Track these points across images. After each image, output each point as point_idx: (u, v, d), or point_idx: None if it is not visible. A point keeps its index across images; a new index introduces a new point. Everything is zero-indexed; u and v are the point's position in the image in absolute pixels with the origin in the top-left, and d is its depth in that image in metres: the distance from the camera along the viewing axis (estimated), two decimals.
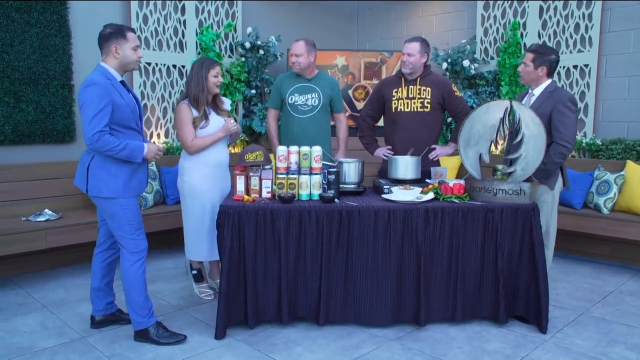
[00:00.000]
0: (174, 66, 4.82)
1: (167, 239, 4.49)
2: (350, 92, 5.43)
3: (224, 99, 3.26)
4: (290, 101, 3.58)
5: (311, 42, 3.53)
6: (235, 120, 3.21)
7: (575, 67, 4.59)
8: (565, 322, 2.96)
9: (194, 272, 3.32)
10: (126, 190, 2.54)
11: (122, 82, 2.57)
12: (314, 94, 3.57)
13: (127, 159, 2.50)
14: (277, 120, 3.74)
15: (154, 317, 2.65)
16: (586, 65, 4.52)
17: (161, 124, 4.78)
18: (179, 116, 3.04)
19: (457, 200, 2.87)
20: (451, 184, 2.94)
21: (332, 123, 3.76)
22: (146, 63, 4.60)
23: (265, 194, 2.86)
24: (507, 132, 2.90)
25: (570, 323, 2.94)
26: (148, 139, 4.69)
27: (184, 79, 4.91)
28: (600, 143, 4.35)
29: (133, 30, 2.58)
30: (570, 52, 4.59)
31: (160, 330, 2.64)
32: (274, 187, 2.89)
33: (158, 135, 4.76)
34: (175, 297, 3.35)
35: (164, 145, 4.67)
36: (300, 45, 3.48)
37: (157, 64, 4.69)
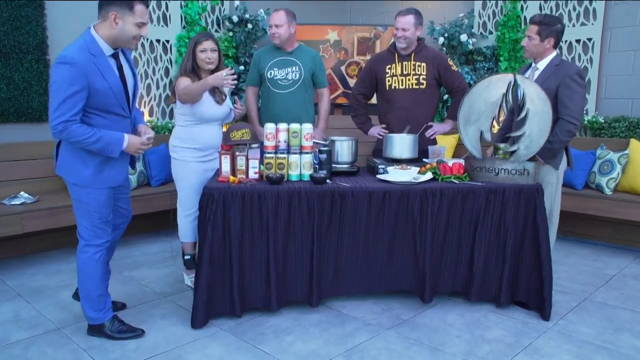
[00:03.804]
0: (158, 41, 4.57)
1: (152, 222, 4.31)
2: (342, 68, 5.21)
3: None
4: (269, 76, 3.38)
5: (291, 12, 3.36)
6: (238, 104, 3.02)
7: (577, 41, 4.39)
8: (568, 307, 2.83)
9: (187, 257, 3.08)
10: (95, 181, 2.25)
11: (114, 56, 2.20)
12: (294, 68, 3.38)
13: (100, 152, 2.20)
14: (256, 98, 3.56)
15: (110, 311, 2.44)
16: (589, 39, 4.32)
17: (145, 101, 4.55)
18: (179, 83, 2.83)
19: (456, 181, 2.71)
20: (450, 164, 2.78)
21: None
22: None
23: (253, 174, 2.68)
24: (510, 108, 2.73)
25: (573, 309, 2.81)
26: None
27: (169, 54, 4.67)
28: (603, 121, 4.19)
29: (145, 4, 2.15)
30: (573, 25, 4.39)
31: (115, 325, 2.41)
32: (262, 167, 2.71)
33: (142, 113, 4.53)
34: (160, 283, 3.18)
35: (148, 124, 4.44)
36: (281, 15, 3.29)
37: None
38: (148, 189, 3.98)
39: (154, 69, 4.58)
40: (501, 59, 4.72)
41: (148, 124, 4.41)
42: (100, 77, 2.12)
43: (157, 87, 4.61)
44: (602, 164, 3.85)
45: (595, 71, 4.30)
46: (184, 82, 2.83)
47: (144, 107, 4.55)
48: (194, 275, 3.04)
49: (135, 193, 3.83)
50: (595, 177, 3.86)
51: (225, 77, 2.71)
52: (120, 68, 2.24)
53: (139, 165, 3.99)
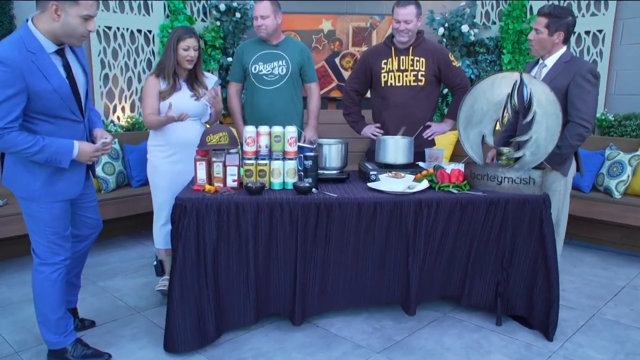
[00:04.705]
0: (139, 31, 4.29)
1: (132, 225, 4.07)
2: (337, 60, 4.93)
3: (208, 74, 2.86)
4: (254, 71, 3.12)
5: (276, 2, 3.09)
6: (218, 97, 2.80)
7: (587, 32, 4.11)
8: (575, 326, 2.60)
9: (155, 263, 2.91)
10: (45, 194, 1.98)
11: (59, 52, 1.92)
12: (280, 62, 3.11)
13: (47, 163, 1.92)
14: (239, 95, 3.31)
15: (73, 334, 2.20)
16: (600, 31, 4.04)
17: (125, 96, 4.29)
18: (144, 87, 2.74)
19: (455, 191, 2.46)
20: (448, 170, 2.53)
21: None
22: (106, 27, 4.08)
23: (231, 182, 2.43)
24: (515, 109, 2.48)
25: (580, 328, 2.59)
26: (110, 113, 4.20)
27: (151, 45, 4.39)
28: (613, 118, 3.93)
29: None
30: (583, 15, 4.11)
31: (79, 349, 2.17)
32: (242, 170, 2.46)
33: (122, 109, 4.28)
34: (135, 296, 2.95)
35: (127, 121, 4.18)
36: (266, 5, 3.03)
37: (118, 29, 4.16)
38: (128, 190, 3.75)
39: (135, 61, 4.31)
40: (504, 51, 4.45)
41: (127, 120, 4.16)
42: (41, 78, 1.84)
43: (139, 81, 4.34)
44: (611, 165, 3.60)
45: (606, 65, 4.03)
46: (150, 86, 2.68)
47: (125, 101, 4.29)
48: (162, 278, 2.89)
49: (114, 195, 3.61)
50: (604, 179, 3.61)
51: (175, 115, 2.60)
52: (67, 66, 1.95)
53: (118, 165, 3.75)
